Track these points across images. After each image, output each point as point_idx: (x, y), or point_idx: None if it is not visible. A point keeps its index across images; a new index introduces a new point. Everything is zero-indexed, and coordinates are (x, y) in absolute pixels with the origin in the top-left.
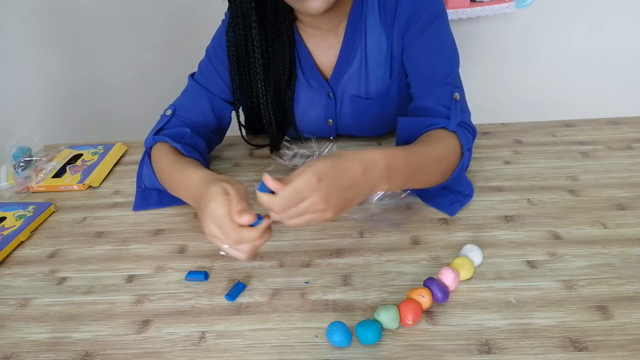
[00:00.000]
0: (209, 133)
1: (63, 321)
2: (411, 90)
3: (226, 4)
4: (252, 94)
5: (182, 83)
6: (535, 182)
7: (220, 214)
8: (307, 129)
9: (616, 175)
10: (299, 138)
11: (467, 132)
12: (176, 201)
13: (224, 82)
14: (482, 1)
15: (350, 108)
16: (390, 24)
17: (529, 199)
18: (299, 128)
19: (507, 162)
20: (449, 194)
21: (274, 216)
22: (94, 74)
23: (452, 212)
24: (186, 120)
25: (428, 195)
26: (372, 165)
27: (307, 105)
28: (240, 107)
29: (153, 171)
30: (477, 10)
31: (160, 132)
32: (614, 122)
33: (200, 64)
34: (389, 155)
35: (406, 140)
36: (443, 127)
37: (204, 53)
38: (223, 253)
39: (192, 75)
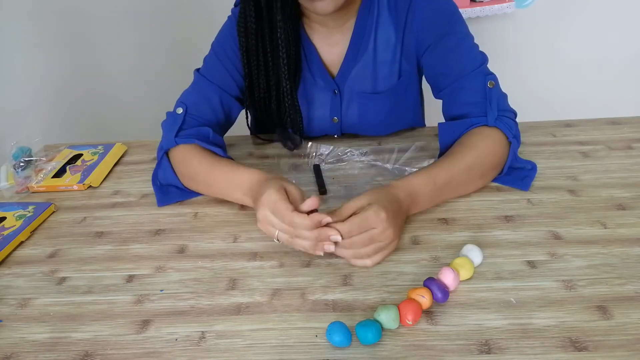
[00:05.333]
0: (219, 130)
1: (63, 321)
2: (436, 87)
3: (228, 6)
4: (259, 85)
5: (183, 83)
6: (535, 182)
7: (276, 199)
8: (312, 126)
9: (616, 175)
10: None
11: (508, 119)
12: (195, 194)
13: (232, 77)
14: (482, 1)
15: (356, 106)
16: (401, 24)
17: (529, 199)
18: (304, 125)
19: None
20: (512, 172)
21: (342, 252)
22: (95, 74)
23: (525, 187)
24: (200, 119)
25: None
26: (412, 193)
27: (313, 102)
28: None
29: (175, 173)
30: (477, 10)
31: (180, 132)
32: (614, 122)
33: (206, 59)
34: (412, 182)
35: (449, 143)
36: (484, 125)
37: (205, 54)
38: (277, 241)
39: (199, 70)
